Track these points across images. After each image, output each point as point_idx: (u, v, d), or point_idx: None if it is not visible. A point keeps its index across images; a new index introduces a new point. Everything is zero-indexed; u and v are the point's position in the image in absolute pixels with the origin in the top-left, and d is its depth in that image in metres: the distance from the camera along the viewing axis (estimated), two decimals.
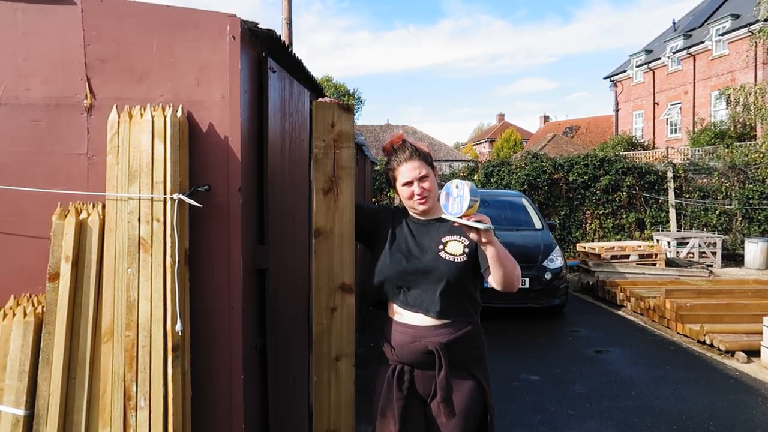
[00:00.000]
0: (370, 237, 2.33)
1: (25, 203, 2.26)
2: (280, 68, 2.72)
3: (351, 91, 41.55)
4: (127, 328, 2.04)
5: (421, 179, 2.21)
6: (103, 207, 2.15)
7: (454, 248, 2.18)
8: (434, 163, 2.33)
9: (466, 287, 2.21)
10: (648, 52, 31.62)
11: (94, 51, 2.27)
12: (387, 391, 2.21)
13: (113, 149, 2.12)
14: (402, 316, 2.22)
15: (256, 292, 2.46)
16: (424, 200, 2.21)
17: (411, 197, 2.22)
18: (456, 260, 2.16)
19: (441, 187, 2.07)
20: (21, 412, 2.03)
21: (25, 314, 2.09)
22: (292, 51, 2.77)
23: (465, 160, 20.36)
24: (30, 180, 2.27)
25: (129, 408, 2.01)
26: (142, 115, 2.14)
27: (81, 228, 2.12)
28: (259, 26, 2.32)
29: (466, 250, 2.18)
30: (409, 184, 2.22)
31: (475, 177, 14.13)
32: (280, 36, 2.48)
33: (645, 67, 31.00)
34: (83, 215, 2.14)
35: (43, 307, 2.12)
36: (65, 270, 2.07)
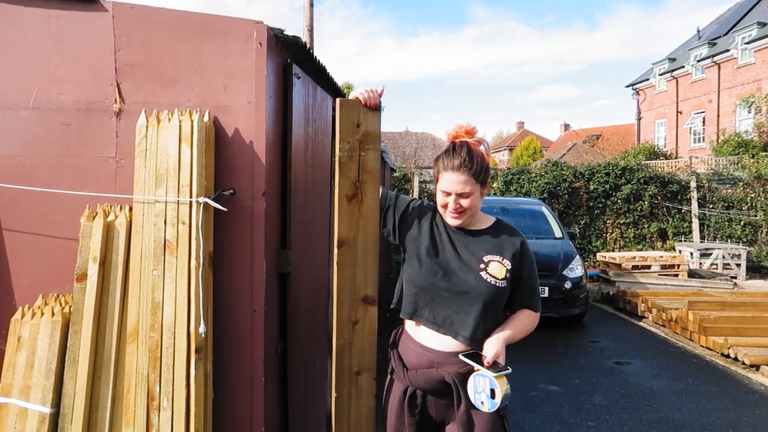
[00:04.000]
0: (390, 228, 2.12)
1: (54, 205, 2.31)
2: (305, 74, 2.75)
3: None
4: (152, 329, 2.07)
5: (461, 195, 1.97)
6: (130, 209, 2.19)
7: (497, 270, 1.97)
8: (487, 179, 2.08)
9: (498, 314, 2.04)
10: (671, 60, 31.27)
11: (124, 56, 2.32)
12: (399, 412, 2.05)
13: (141, 153, 2.16)
14: (422, 335, 2.01)
15: (278, 296, 2.48)
16: (457, 216, 2.00)
17: (444, 207, 2.01)
18: (497, 284, 1.96)
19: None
20: (47, 409, 2.07)
21: (53, 314, 2.13)
22: (316, 57, 2.80)
23: None
24: (60, 182, 2.32)
25: (152, 408, 2.04)
26: (169, 119, 2.17)
27: (108, 230, 2.16)
28: (284, 33, 2.35)
29: (508, 275, 1.99)
30: (446, 194, 1.99)
31: (495, 184, 14.07)
32: (305, 43, 2.51)
33: (668, 75, 30.65)
34: (111, 217, 2.18)
35: (70, 306, 2.16)
36: (93, 271, 2.11)
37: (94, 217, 2.18)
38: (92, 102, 2.33)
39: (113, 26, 2.32)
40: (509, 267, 1.99)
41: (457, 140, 2.02)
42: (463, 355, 1.91)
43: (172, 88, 2.31)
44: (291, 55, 2.57)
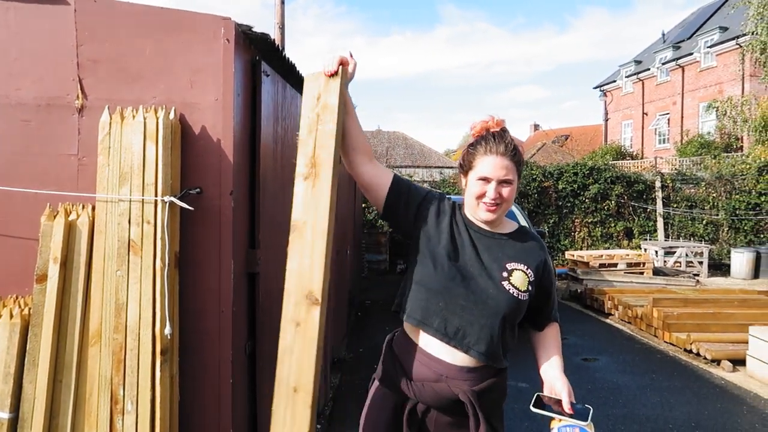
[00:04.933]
0: (402, 222, 1.86)
1: (13, 203, 2.24)
2: (274, 72, 2.72)
3: None
4: (116, 331, 2.02)
5: (503, 183, 1.75)
6: (93, 208, 2.13)
7: (520, 281, 1.76)
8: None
9: (515, 328, 1.84)
10: (637, 62, 31.94)
11: (87, 51, 2.26)
12: (390, 428, 1.81)
13: (104, 150, 2.11)
14: (430, 343, 1.76)
15: (247, 296, 2.45)
16: (493, 208, 1.76)
17: (480, 197, 1.76)
18: (519, 296, 1.74)
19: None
20: (5, 415, 2.01)
21: (11, 316, 2.07)
22: (285, 55, 2.77)
23: (455, 167, 20.43)
24: (18, 180, 2.24)
25: (116, 412, 1.99)
26: (134, 116, 2.13)
27: (70, 229, 2.10)
28: (253, 30, 2.32)
29: (530, 287, 1.78)
30: (485, 180, 1.75)
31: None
32: (274, 40, 2.48)
33: (634, 77, 31.31)
34: (72, 216, 2.12)
35: (29, 308, 2.09)
36: (53, 272, 2.05)
37: (54, 216, 2.12)
38: (53, 98, 2.26)
39: (75, 20, 2.26)
40: (532, 279, 1.78)
41: (493, 128, 1.83)
42: (536, 406, 1.67)
43: (137, 85, 2.26)
44: (260, 53, 2.54)
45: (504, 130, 1.81)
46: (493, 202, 1.75)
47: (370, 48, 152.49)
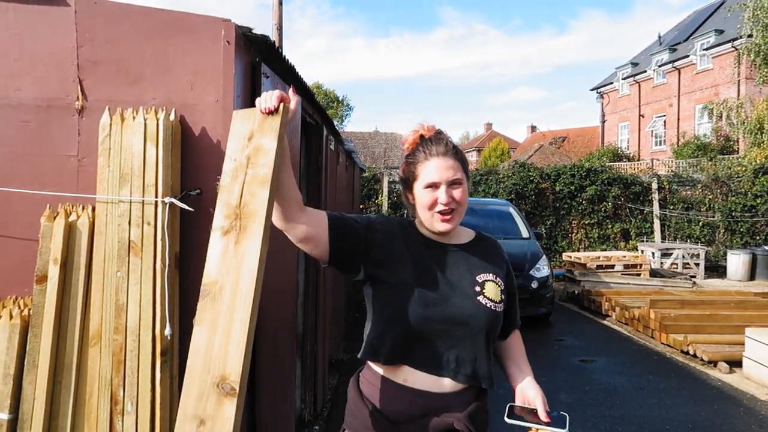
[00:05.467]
0: (356, 260, 1.63)
1: (12, 204, 2.24)
2: (274, 74, 2.73)
3: (340, 98, 41.62)
4: (116, 332, 2.02)
5: (453, 184, 1.61)
6: (93, 209, 2.13)
7: (493, 291, 1.63)
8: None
9: (494, 341, 1.70)
10: (634, 64, 32.04)
11: (87, 53, 2.26)
12: None
13: (104, 151, 2.11)
14: (411, 379, 1.59)
15: None
16: (449, 216, 1.61)
17: (432, 206, 1.61)
18: (496, 308, 1.62)
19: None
20: (4, 416, 2.01)
21: (11, 317, 2.07)
22: (285, 57, 2.78)
23: None
24: (18, 181, 2.25)
25: (116, 413, 1.99)
26: (134, 117, 2.13)
27: (70, 230, 2.11)
28: (253, 31, 2.32)
29: (503, 296, 1.66)
30: (433, 187, 1.61)
31: None
32: (274, 42, 2.48)
33: (631, 79, 31.40)
34: (72, 217, 2.12)
35: (29, 309, 2.09)
36: (53, 272, 2.05)
37: (55, 217, 2.12)
38: (53, 99, 2.27)
39: (75, 21, 2.27)
40: (502, 287, 1.67)
41: (427, 134, 1.70)
42: (510, 417, 1.57)
43: (137, 86, 2.26)
44: (260, 54, 2.55)
45: (439, 132, 1.70)
46: (447, 208, 1.60)
47: (369, 49, 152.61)
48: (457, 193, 1.61)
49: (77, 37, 2.26)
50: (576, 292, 10.10)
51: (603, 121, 34.52)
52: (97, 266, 2.07)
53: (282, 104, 1.50)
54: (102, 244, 2.07)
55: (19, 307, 2.12)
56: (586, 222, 14.00)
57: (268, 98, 1.50)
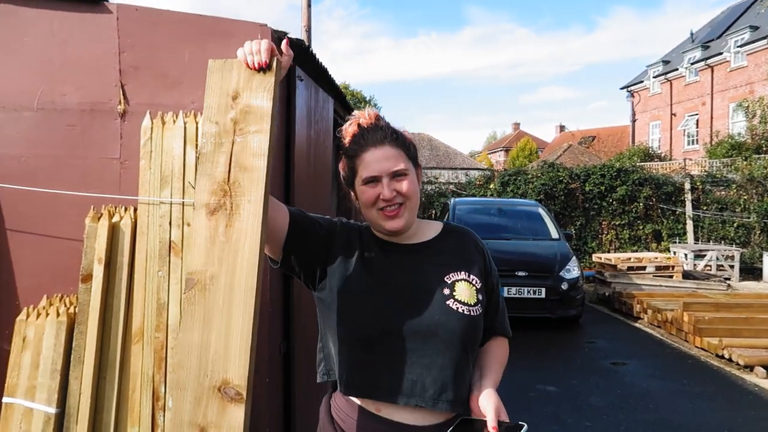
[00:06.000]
0: (312, 266, 1.42)
1: (58, 205, 2.32)
2: (307, 77, 2.77)
3: (368, 99, 41.77)
4: (157, 330, 2.08)
5: (396, 176, 1.38)
6: (135, 210, 2.20)
7: (466, 294, 1.39)
8: (422, 164, 1.55)
9: (475, 354, 1.44)
10: (665, 62, 31.42)
11: (128, 58, 2.33)
12: None
13: (146, 154, 2.17)
14: (383, 408, 1.35)
15: (282, 297, 2.49)
16: (395, 211, 1.37)
17: (374, 203, 1.38)
18: (471, 312, 1.37)
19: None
20: (52, 410, 2.08)
21: (58, 314, 2.14)
22: (318, 60, 2.81)
23: (481, 169, 20.36)
24: (64, 183, 2.33)
25: (157, 408, 2.05)
26: (174, 121, 2.19)
27: (113, 231, 2.17)
28: (288, 36, 2.36)
29: (480, 296, 1.42)
30: (373, 181, 1.38)
31: (491, 185, 14.12)
32: (308, 46, 2.52)
33: (662, 77, 30.80)
34: (116, 218, 2.19)
35: (75, 307, 2.17)
36: (98, 272, 2.12)
37: (99, 218, 2.19)
38: (96, 103, 2.34)
39: (117, 28, 2.33)
40: (479, 286, 1.42)
41: (365, 123, 1.45)
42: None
43: (176, 90, 2.32)
44: (294, 58, 2.59)
45: (377, 118, 1.46)
46: (390, 201, 1.36)
47: (396, 50, 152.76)
48: (403, 185, 1.37)
49: (119, 43, 2.33)
50: (606, 294, 9.96)
51: (633, 120, 33.93)
52: (139, 266, 2.14)
53: (275, 59, 1.26)
54: (144, 244, 2.13)
55: (65, 305, 2.19)
56: (617, 223, 13.79)
57: (255, 50, 1.25)
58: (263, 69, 1.25)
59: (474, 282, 1.42)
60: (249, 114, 1.25)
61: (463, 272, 1.42)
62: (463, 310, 1.36)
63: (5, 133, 2.33)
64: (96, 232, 2.16)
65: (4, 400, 2.10)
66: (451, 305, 1.36)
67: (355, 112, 1.48)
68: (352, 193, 1.47)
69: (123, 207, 2.24)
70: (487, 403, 1.33)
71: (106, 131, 2.34)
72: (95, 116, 2.34)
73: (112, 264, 2.16)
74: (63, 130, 2.34)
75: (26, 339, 2.12)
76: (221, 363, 1.15)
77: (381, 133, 1.40)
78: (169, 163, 2.15)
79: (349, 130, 1.46)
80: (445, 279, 1.40)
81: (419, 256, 1.43)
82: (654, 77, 31.78)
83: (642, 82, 33.02)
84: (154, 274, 2.11)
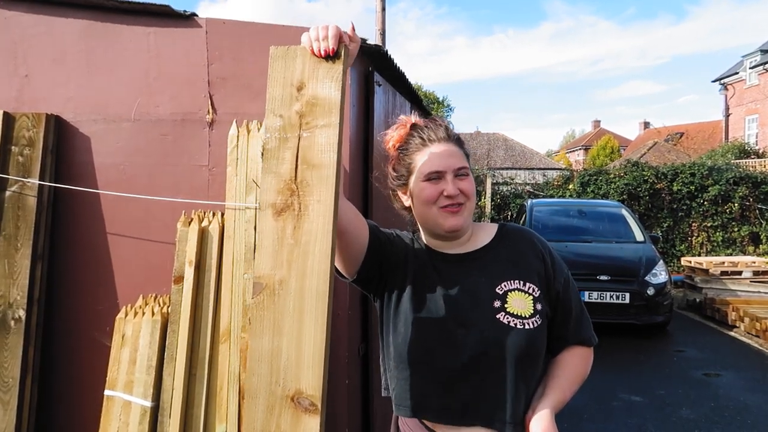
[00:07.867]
0: (385, 284, 1.38)
1: (152, 210, 2.47)
2: (385, 81, 2.79)
3: (440, 99, 41.60)
4: (243, 331, 2.16)
5: (460, 174, 1.33)
6: (222, 215, 2.29)
7: (520, 304, 1.31)
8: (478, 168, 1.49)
9: (541, 368, 1.36)
10: (764, 52, 29.24)
11: (216, 70, 2.44)
12: None
13: (233, 161, 2.27)
14: (438, 429, 1.32)
15: (360, 300, 2.52)
16: (457, 209, 1.31)
17: (435, 200, 1.32)
18: (527, 325, 1.29)
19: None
20: (148, 403, 2.21)
21: (153, 313, 2.27)
22: (396, 65, 2.83)
23: (559, 169, 19.78)
24: (157, 189, 2.47)
25: (243, 406, 2.13)
26: (258, 129, 2.27)
27: (203, 235, 2.28)
28: (367, 42, 2.39)
29: (539, 306, 1.33)
30: (436, 178, 1.32)
31: (570, 186, 13.68)
32: (386, 51, 2.54)
33: (760, 68, 28.69)
34: (205, 223, 2.30)
35: (167, 307, 2.29)
36: (189, 273, 2.23)
37: (189, 223, 2.30)
38: (187, 113, 2.47)
39: (206, 41, 2.45)
40: (537, 294, 1.33)
41: (420, 121, 1.44)
42: None
43: (260, 99, 2.40)
44: (372, 63, 2.62)
45: (435, 118, 1.43)
46: (454, 200, 1.30)
47: (471, 48, 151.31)
48: (465, 184, 1.32)
49: (208, 55, 2.45)
50: (697, 300, 9.40)
51: (727, 115, 31.82)
52: (226, 268, 2.23)
53: (343, 46, 1.18)
54: (231, 247, 2.22)
55: (159, 305, 2.32)
56: (709, 224, 12.98)
57: (322, 36, 1.17)
58: (330, 57, 1.17)
59: (530, 290, 1.33)
60: (316, 106, 1.17)
61: (517, 281, 1.34)
62: (515, 324, 1.28)
63: (106, 143, 2.51)
64: (187, 236, 2.27)
65: (106, 392, 2.25)
66: (501, 319, 1.29)
67: (402, 117, 1.45)
68: (400, 195, 1.42)
69: (211, 212, 2.35)
70: (537, 428, 1.26)
71: (195, 140, 2.46)
72: (186, 125, 2.47)
73: (201, 266, 2.27)
74: (157, 139, 2.48)
75: (125, 336, 2.27)
76: (293, 371, 1.10)
77: (444, 130, 1.37)
78: (253, 169, 2.23)
79: (395, 135, 1.42)
80: (497, 290, 1.32)
81: (470, 266, 1.36)
82: (751, 68, 29.64)
83: (737, 73, 30.89)
84: (240, 276, 2.19)
